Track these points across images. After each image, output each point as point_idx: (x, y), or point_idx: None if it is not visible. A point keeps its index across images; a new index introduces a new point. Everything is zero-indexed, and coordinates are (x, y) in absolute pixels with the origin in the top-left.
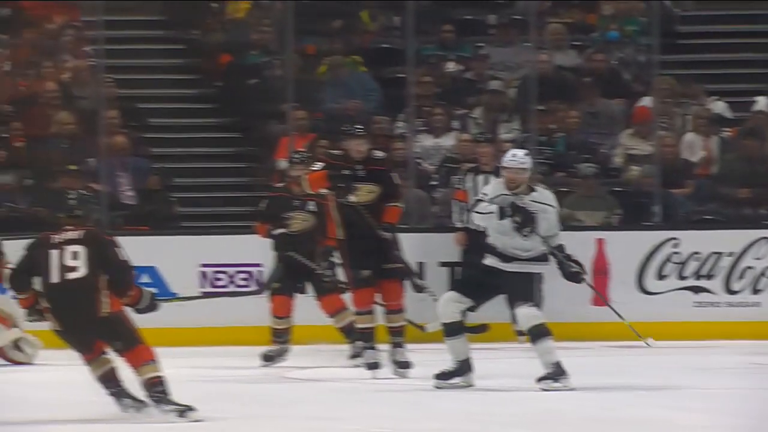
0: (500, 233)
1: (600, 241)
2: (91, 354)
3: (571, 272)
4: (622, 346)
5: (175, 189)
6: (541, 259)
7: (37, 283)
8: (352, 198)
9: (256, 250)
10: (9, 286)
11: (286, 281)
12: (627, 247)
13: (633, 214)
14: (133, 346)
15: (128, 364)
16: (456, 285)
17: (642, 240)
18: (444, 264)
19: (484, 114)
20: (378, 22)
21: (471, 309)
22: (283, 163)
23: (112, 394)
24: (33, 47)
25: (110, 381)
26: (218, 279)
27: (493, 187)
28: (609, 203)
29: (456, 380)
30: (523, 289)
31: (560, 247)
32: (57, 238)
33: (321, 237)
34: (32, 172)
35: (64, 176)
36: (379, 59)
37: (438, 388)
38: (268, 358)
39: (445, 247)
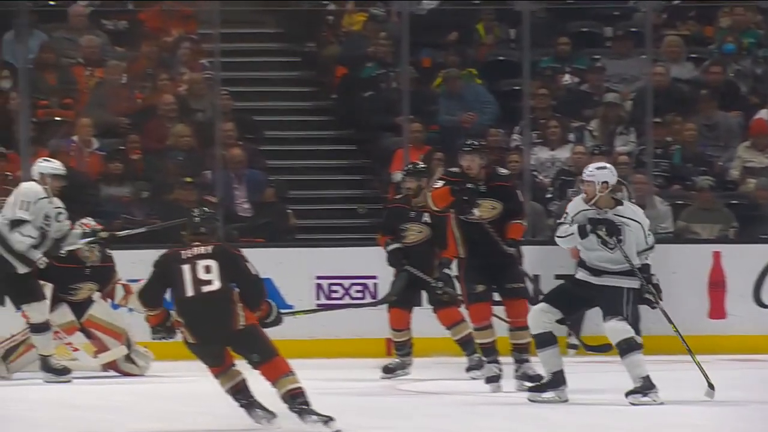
0: (587, 248)
1: (716, 254)
2: (222, 366)
3: (644, 297)
4: (740, 359)
5: (290, 201)
6: (632, 272)
7: (164, 299)
8: (475, 213)
9: (371, 262)
10: (140, 302)
11: (402, 294)
12: (743, 260)
13: (749, 227)
14: (271, 358)
15: (265, 376)
16: (547, 297)
17: (759, 253)
18: (560, 276)
19: (600, 126)
20: (493, 34)
21: (560, 321)
22: (398, 176)
23: (243, 406)
24: (150, 60)
25: (241, 392)
26: (333, 291)
27: (574, 204)
28: (725, 216)
29: (550, 395)
30: (612, 302)
31: (645, 267)
32: (187, 253)
33: (437, 249)
34: (149, 184)
35: (180, 189)
36: (494, 71)
37: (531, 401)
38: (389, 371)
39: (561, 259)
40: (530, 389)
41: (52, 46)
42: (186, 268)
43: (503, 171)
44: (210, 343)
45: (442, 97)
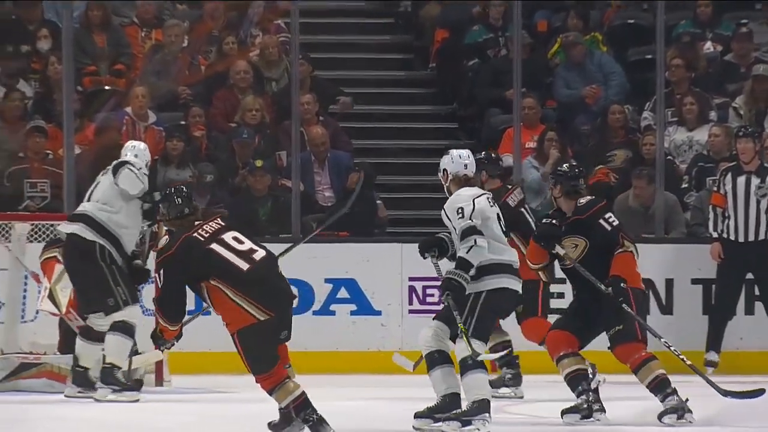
0: None
1: None
2: (276, 370)
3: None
4: None
5: (380, 188)
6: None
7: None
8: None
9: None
10: (164, 317)
11: None
12: None
13: None
14: None
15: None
16: (439, 316)
17: None
18: (697, 281)
19: (747, 103)
20: None
21: (452, 338)
22: (508, 159)
23: (311, 423)
24: (216, 20)
25: (306, 407)
26: (429, 295)
27: None
28: None
29: (440, 425)
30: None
31: (460, 261)
32: (201, 233)
33: None
34: (213, 166)
35: (250, 173)
36: (622, 37)
37: (416, 429)
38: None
39: (699, 260)
40: (416, 415)
41: (102, 3)
42: (217, 247)
43: (582, 201)
44: (288, 311)
45: (560, 68)
